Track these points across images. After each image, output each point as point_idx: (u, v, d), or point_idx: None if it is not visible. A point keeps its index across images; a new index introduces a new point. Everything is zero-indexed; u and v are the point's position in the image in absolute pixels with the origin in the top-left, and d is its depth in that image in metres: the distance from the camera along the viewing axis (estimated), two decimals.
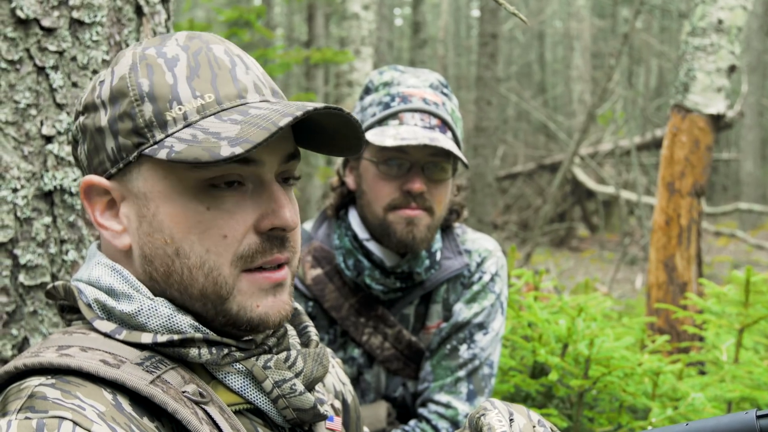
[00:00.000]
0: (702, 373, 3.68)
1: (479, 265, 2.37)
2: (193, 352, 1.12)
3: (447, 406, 2.24)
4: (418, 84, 2.24)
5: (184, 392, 1.08)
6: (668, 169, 4.92)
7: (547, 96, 24.59)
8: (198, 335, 1.12)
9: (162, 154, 1.08)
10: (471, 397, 2.26)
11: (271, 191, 1.15)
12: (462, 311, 2.31)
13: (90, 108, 1.17)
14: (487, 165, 12.09)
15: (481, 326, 2.31)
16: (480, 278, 2.35)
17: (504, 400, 2.68)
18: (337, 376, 1.53)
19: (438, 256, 2.31)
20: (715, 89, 4.81)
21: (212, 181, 1.11)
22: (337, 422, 1.34)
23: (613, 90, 14.28)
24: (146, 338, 1.11)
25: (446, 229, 2.40)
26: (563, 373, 2.62)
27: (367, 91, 2.29)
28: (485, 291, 2.34)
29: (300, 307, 1.39)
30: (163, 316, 1.12)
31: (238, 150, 1.04)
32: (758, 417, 1.13)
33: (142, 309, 1.12)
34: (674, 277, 4.82)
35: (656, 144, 14.45)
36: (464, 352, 2.28)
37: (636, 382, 2.72)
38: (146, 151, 1.11)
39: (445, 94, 2.27)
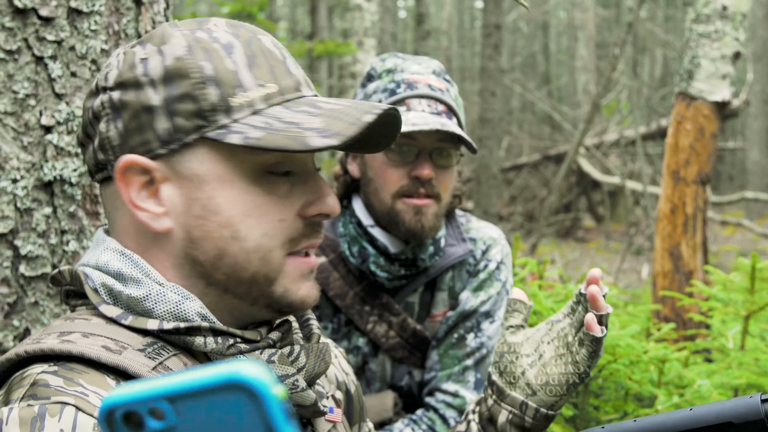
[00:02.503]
0: (708, 360, 3.67)
1: (484, 253, 2.37)
2: (199, 340, 1.11)
3: (455, 395, 2.24)
4: (422, 70, 2.24)
5: None
6: (673, 157, 4.91)
7: (551, 87, 24.55)
8: (204, 324, 1.11)
9: (234, 139, 1.08)
10: (478, 385, 2.26)
11: (316, 179, 1.19)
12: (469, 300, 2.30)
13: (129, 84, 1.13)
14: (492, 156, 12.07)
15: (488, 315, 2.31)
16: (486, 266, 2.35)
17: None
18: (339, 366, 1.52)
19: (442, 243, 2.31)
20: (720, 76, 4.78)
21: (271, 168, 1.13)
22: (337, 413, 1.34)
23: (618, 80, 14.25)
24: (152, 324, 1.10)
25: (449, 216, 2.39)
26: None
27: (370, 78, 2.29)
28: (491, 279, 2.34)
29: None
30: (171, 302, 1.12)
31: (334, 141, 1.07)
32: (763, 401, 1.12)
33: (150, 294, 1.11)
34: (680, 266, 4.81)
35: (661, 133, 14.41)
36: (471, 340, 2.28)
37: (642, 370, 2.71)
38: (210, 134, 1.10)
39: (447, 81, 2.28)
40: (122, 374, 1.05)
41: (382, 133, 1.23)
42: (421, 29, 14.09)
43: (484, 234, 2.40)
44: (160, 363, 1.07)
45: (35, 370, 1.03)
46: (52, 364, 1.04)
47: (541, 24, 25.45)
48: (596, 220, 17.90)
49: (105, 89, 1.15)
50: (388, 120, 1.19)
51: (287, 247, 1.16)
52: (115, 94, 1.14)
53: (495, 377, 1.45)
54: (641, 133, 14.15)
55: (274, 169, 1.14)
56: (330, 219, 1.23)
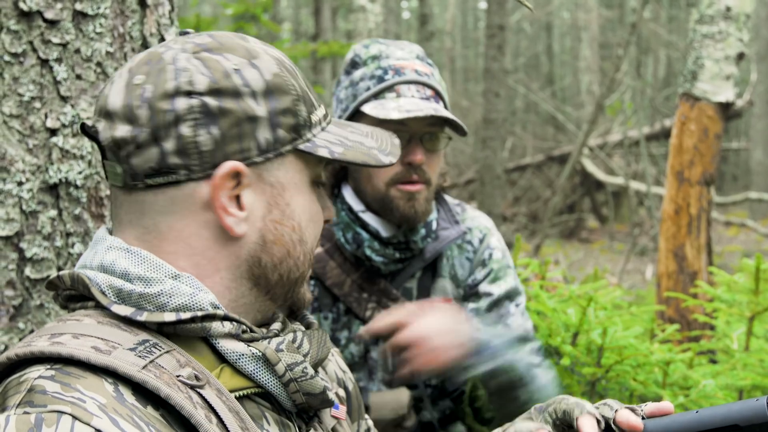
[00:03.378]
0: (713, 361, 3.66)
1: (482, 241, 2.42)
2: (216, 324, 1.14)
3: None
4: (406, 56, 2.28)
5: (178, 376, 1.07)
6: (677, 157, 4.90)
7: (555, 87, 24.53)
8: (219, 312, 1.14)
9: (324, 152, 1.21)
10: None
11: (322, 190, 1.31)
12: (492, 290, 2.37)
13: (228, 93, 1.14)
14: (496, 157, 12.06)
15: (511, 299, 2.38)
16: (491, 255, 2.40)
17: None
18: (337, 364, 1.54)
19: (434, 226, 2.34)
20: (724, 77, 4.78)
21: (317, 178, 1.27)
22: (342, 410, 1.35)
23: (622, 80, 14.24)
24: (170, 317, 1.11)
25: (439, 199, 2.42)
26: (575, 361, 2.62)
27: (355, 65, 2.31)
28: (503, 269, 2.40)
29: None
30: (184, 295, 1.12)
31: (394, 159, 1.29)
32: None
33: (163, 290, 1.12)
34: (684, 267, 4.81)
35: (665, 134, 14.39)
36: (510, 320, 2.35)
37: (646, 371, 2.71)
38: (301, 146, 1.20)
39: (430, 64, 2.32)
40: (121, 377, 1.05)
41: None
42: (424, 30, 14.09)
43: (479, 223, 2.45)
44: (151, 361, 1.06)
45: (32, 375, 1.02)
46: (49, 367, 1.03)
47: (545, 25, 25.43)
48: (600, 221, 17.89)
49: (191, 93, 1.13)
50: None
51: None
52: (210, 100, 1.13)
53: None
54: (645, 133, 14.13)
55: (318, 180, 1.27)
56: (328, 224, 1.35)
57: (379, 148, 1.28)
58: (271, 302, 1.25)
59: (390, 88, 2.22)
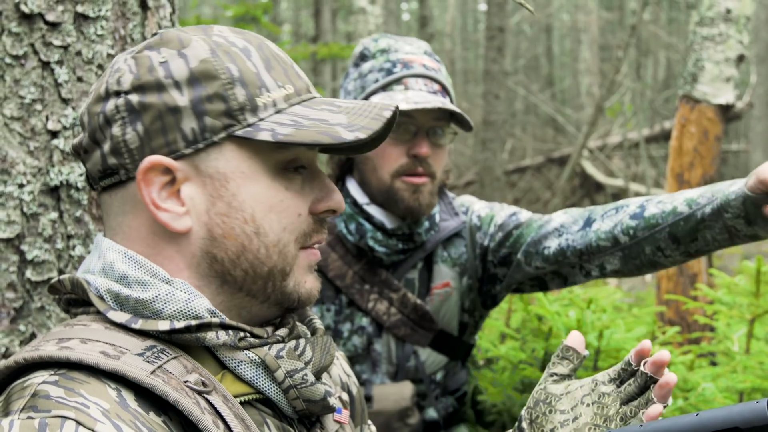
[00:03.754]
0: (713, 363, 3.66)
1: (466, 213, 2.47)
2: (211, 335, 1.12)
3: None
4: (415, 50, 2.31)
5: (186, 382, 1.07)
6: (677, 159, 4.90)
7: (555, 89, 24.53)
8: (215, 320, 1.13)
9: (264, 136, 1.12)
10: None
11: (322, 176, 1.24)
12: (495, 224, 2.39)
13: (150, 87, 1.14)
14: (496, 159, 12.06)
15: (510, 214, 2.40)
16: (479, 216, 2.44)
17: (515, 391, 2.67)
18: (341, 368, 1.53)
19: (437, 218, 2.37)
20: (724, 79, 4.78)
21: (287, 164, 1.18)
22: (345, 415, 1.34)
23: (621, 82, 14.24)
24: (164, 325, 1.10)
25: (440, 192, 2.47)
26: None
27: (364, 57, 2.34)
28: (491, 214, 2.43)
29: None
30: (180, 301, 1.12)
31: (361, 135, 1.13)
32: None
33: (159, 295, 1.12)
34: (684, 268, 4.81)
35: (665, 136, 14.40)
36: (524, 216, 2.37)
37: None
38: (238, 132, 1.14)
39: (438, 60, 2.36)
40: (123, 380, 1.05)
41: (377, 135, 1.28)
42: (424, 32, 14.09)
43: (462, 200, 2.51)
44: (159, 367, 1.07)
45: (36, 380, 1.02)
46: (53, 372, 1.03)
47: (545, 27, 25.44)
48: None
49: (118, 93, 1.15)
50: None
51: (300, 242, 1.21)
52: (133, 97, 1.14)
53: (524, 424, 1.31)
54: (645, 135, 14.14)
55: (291, 165, 1.18)
56: (336, 215, 1.27)
57: (347, 124, 1.15)
58: (253, 300, 1.20)
59: (398, 81, 2.25)
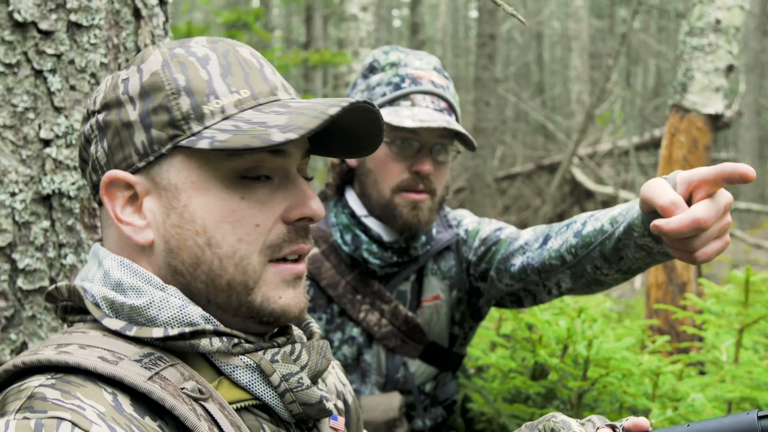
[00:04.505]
0: (702, 373, 3.67)
1: (458, 226, 2.47)
2: (205, 341, 1.13)
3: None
4: (424, 66, 2.30)
5: (182, 389, 1.08)
6: (667, 168, 4.92)
7: (545, 96, 24.59)
8: (209, 326, 1.13)
9: (203, 144, 1.11)
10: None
11: (298, 183, 1.20)
12: (477, 245, 2.38)
13: (112, 105, 1.17)
14: (486, 166, 12.08)
15: (499, 228, 2.38)
16: (467, 230, 2.45)
17: (504, 401, 2.68)
18: (337, 377, 1.54)
19: (434, 232, 2.38)
20: (713, 89, 4.81)
21: (245, 172, 1.15)
22: (340, 422, 1.34)
23: (612, 90, 14.29)
24: (157, 332, 1.11)
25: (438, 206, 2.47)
26: (563, 374, 2.62)
27: (373, 69, 2.33)
28: (477, 226, 2.44)
29: None
30: (174, 308, 1.13)
31: (292, 135, 1.08)
32: (759, 417, 1.13)
33: (153, 301, 1.13)
34: (673, 277, 4.82)
35: (655, 144, 14.44)
36: (507, 232, 2.35)
37: (636, 382, 2.71)
38: (183, 142, 1.13)
39: (447, 77, 2.36)
40: (119, 385, 1.05)
41: (362, 134, 1.26)
42: (415, 39, 14.11)
43: (456, 214, 2.52)
44: (157, 373, 1.07)
45: (33, 383, 1.03)
46: (50, 376, 1.04)
47: (535, 34, 25.50)
48: None
49: (93, 113, 1.20)
50: (372, 119, 1.21)
51: (267, 254, 1.18)
52: (101, 116, 1.18)
53: None
54: (634, 143, 14.18)
55: (249, 173, 1.15)
56: (314, 223, 1.23)
57: (284, 125, 1.11)
58: (225, 312, 1.19)
59: (405, 97, 2.25)
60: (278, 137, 1.08)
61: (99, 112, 1.19)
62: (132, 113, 1.15)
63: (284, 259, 1.20)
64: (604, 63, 14.84)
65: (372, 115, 1.20)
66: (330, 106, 1.12)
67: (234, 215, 1.15)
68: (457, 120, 2.30)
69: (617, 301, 8.61)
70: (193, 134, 1.13)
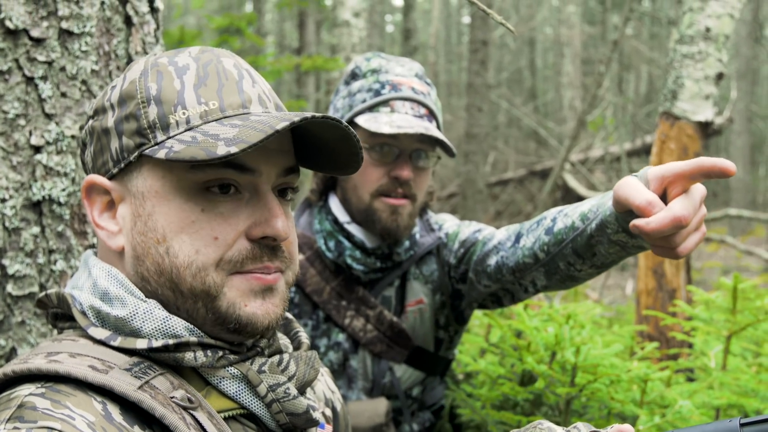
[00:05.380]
0: (691, 379, 3.69)
1: (440, 229, 2.47)
2: (189, 355, 1.13)
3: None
4: (405, 73, 2.31)
5: (172, 398, 1.08)
6: None
7: (537, 102, 24.62)
8: (193, 339, 1.14)
9: (161, 154, 1.11)
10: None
11: (266, 201, 1.18)
12: (457, 247, 2.38)
13: (100, 111, 1.20)
14: (478, 171, 12.10)
15: (479, 230, 2.37)
16: (446, 232, 2.45)
17: (493, 408, 2.69)
18: (326, 384, 1.54)
19: (417, 237, 2.38)
20: (704, 96, 4.83)
21: (207, 183, 1.15)
22: (328, 430, 1.35)
23: (603, 96, 14.32)
24: (141, 344, 1.12)
25: (421, 211, 2.47)
26: (551, 381, 2.63)
27: (354, 76, 2.34)
28: (456, 228, 2.44)
29: (290, 315, 1.41)
30: (158, 319, 1.13)
31: (234, 149, 1.08)
32: (742, 425, 1.14)
33: (137, 312, 1.13)
34: (663, 284, 4.84)
35: (646, 150, 14.48)
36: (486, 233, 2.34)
37: (624, 389, 2.72)
38: (146, 151, 1.14)
39: (428, 84, 2.36)
40: (109, 394, 1.06)
41: (342, 150, 1.25)
42: (408, 44, 14.13)
43: (438, 218, 2.51)
44: (146, 382, 1.08)
45: (23, 392, 1.03)
46: (39, 385, 1.04)
47: (528, 40, 25.54)
48: None
49: (88, 118, 1.23)
50: (343, 134, 1.20)
51: (227, 268, 1.16)
52: (91, 122, 1.21)
53: None
54: (626, 149, 14.22)
55: (212, 185, 1.15)
56: (277, 243, 1.20)
57: (232, 139, 1.10)
58: (195, 321, 1.18)
59: (385, 103, 2.25)
60: (222, 150, 1.08)
61: (92, 117, 1.22)
62: (110, 120, 1.18)
63: (247, 271, 1.19)
64: (596, 69, 14.89)
65: (341, 131, 1.20)
66: (281, 120, 1.11)
67: (192, 226, 1.15)
68: (438, 126, 2.31)
69: (608, 307, 8.63)
70: (157, 143, 1.14)
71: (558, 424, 2.66)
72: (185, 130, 1.14)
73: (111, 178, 1.18)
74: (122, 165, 1.16)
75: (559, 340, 2.63)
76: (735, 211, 14.57)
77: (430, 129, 2.20)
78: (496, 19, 1.83)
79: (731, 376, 2.90)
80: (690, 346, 4.23)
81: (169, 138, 1.14)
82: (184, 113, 1.14)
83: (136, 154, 1.15)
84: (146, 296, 1.18)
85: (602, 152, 15.16)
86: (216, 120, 1.15)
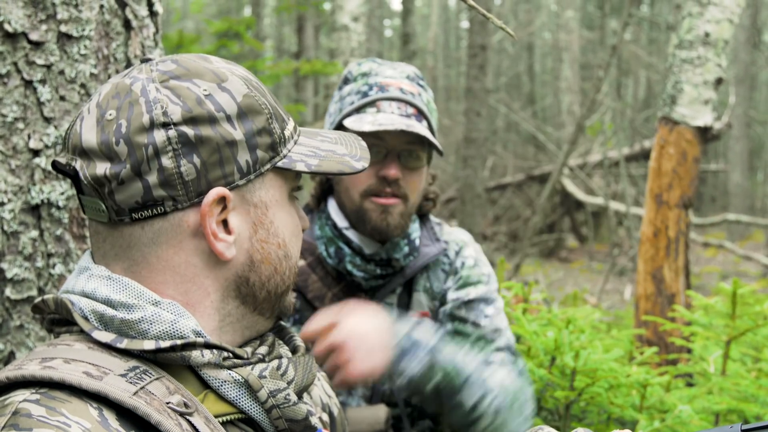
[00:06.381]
0: (690, 385, 3.68)
1: (458, 253, 2.43)
2: (196, 353, 1.13)
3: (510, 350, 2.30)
4: (396, 75, 2.30)
5: (168, 403, 1.08)
6: (656, 181, 4.94)
7: (536, 107, 24.66)
8: (199, 340, 1.13)
9: (301, 167, 1.21)
10: (516, 359, 2.30)
11: (295, 202, 1.31)
12: (459, 295, 2.36)
13: (203, 120, 1.14)
14: (477, 176, 12.11)
15: (486, 300, 2.36)
16: (464, 263, 2.41)
17: None
18: (323, 389, 1.54)
19: (417, 242, 2.35)
20: (702, 102, 4.83)
21: (295, 191, 1.28)
22: None
23: (602, 101, 14.34)
24: (149, 345, 1.11)
25: (423, 217, 2.45)
26: (551, 385, 2.63)
27: (346, 81, 2.35)
28: (475, 274, 2.40)
29: (283, 323, 1.41)
30: (166, 322, 1.13)
31: (366, 164, 1.28)
32: (743, 431, 1.13)
33: (144, 316, 1.13)
34: (662, 289, 4.84)
35: (645, 155, 14.50)
36: (486, 322, 2.33)
37: (624, 394, 2.72)
38: (280, 163, 1.21)
39: (421, 86, 2.33)
40: (105, 400, 1.05)
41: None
42: (407, 49, 14.14)
43: (456, 237, 2.46)
44: (142, 388, 1.07)
45: (17, 398, 1.03)
46: (34, 391, 1.04)
47: (526, 45, 25.59)
48: (579, 241, 17.96)
49: (167, 124, 1.13)
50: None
51: None
52: (187, 129, 1.13)
53: None
54: (625, 154, 14.23)
55: (295, 191, 1.28)
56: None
57: (350, 155, 1.28)
58: (260, 316, 1.26)
59: (372, 104, 2.25)
60: (358, 165, 1.26)
61: (178, 124, 1.13)
62: (235, 132, 1.16)
63: None
64: (594, 74, 14.91)
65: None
66: (356, 139, 1.35)
67: (297, 229, 1.28)
68: (429, 126, 2.29)
69: (607, 312, 8.64)
70: (284, 156, 1.22)
71: (558, 428, 2.65)
72: (294, 144, 1.24)
73: (232, 189, 1.18)
74: (252, 177, 1.19)
75: (559, 344, 2.62)
76: (733, 216, 14.59)
77: (413, 126, 2.17)
78: (497, 24, 1.83)
79: (731, 381, 2.90)
80: (689, 351, 4.23)
81: (289, 152, 1.23)
82: (288, 128, 1.24)
83: (268, 166, 1.20)
84: (230, 299, 1.22)
85: (601, 157, 15.17)
86: (300, 135, 1.28)
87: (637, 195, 15.34)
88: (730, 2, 4.82)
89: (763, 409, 2.77)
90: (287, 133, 1.23)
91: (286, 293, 1.28)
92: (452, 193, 16.59)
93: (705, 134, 4.90)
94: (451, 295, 2.36)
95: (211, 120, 1.15)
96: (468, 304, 2.35)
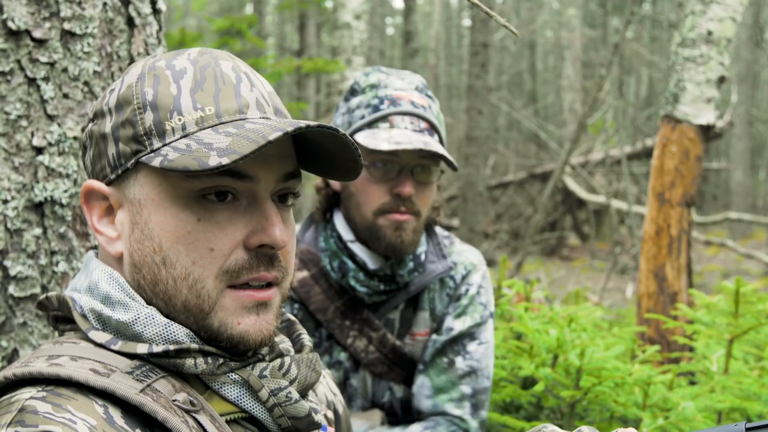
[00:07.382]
0: (692, 383, 3.68)
1: (464, 277, 2.39)
2: (189, 362, 1.12)
3: (461, 419, 2.27)
4: (405, 87, 2.26)
5: (174, 401, 1.08)
6: (658, 179, 4.94)
7: (538, 105, 24.64)
8: (194, 345, 1.12)
9: (156, 162, 1.09)
10: (474, 411, 2.29)
11: (264, 208, 1.15)
12: (454, 326, 2.32)
13: (98, 115, 1.18)
14: (478, 174, 12.11)
15: (473, 336, 2.33)
16: (467, 291, 2.38)
17: (495, 411, 2.68)
18: (328, 387, 1.53)
19: (422, 258, 2.33)
20: (705, 100, 4.83)
21: (204, 192, 1.12)
22: None
23: (604, 99, 14.33)
24: (142, 348, 1.11)
25: (429, 231, 2.41)
26: (554, 383, 2.63)
27: (353, 92, 2.31)
28: (473, 304, 2.36)
29: (293, 317, 1.40)
30: (159, 325, 1.12)
31: (225, 160, 1.05)
32: (748, 429, 1.13)
33: (138, 317, 1.12)
34: (664, 287, 4.84)
35: (647, 153, 14.49)
36: (461, 363, 2.30)
37: (626, 392, 2.72)
38: (143, 158, 1.12)
39: (429, 97, 2.31)
40: (110, 398, 1.05)
41: (342, 156, 1.22)
42: (408, 47, 14.14)
43: (465, 259, 2.42)
44: (148, 385, 1.07)
45: (24, 395, 1.03)
46: (40, 389, 1.04)
47: (528, 43, 25.58)
48: (581, 239, 17.95)
49: (88, 121, 1.22)
50: (341, 142, 1.17)
51: (224, 279, 1.14)
52: (90, 125, 1.20)
53: None
54: (627, 152, 14.23)
55: (208, 193, 1.12)
56: (275, 252, 1.16)
57: (225, 149, 1.07)
58: (193, 333, 1.15)
59: (384, 118, 2.21)
60: (213, 161, 1.06)
61: (91, 120, 1.20)
62: (107, 125, 1.16)
63: (248, 285, 1.16)
64: (596, 72, 14.90)
65: (338, 139, 1.16)
66: (275, 130, 1.08)
67: (188, 237, 1.12)
68: (440, 139, 2.26)
69: (609, 310, 8.63)
70: (153, 150, 1.12)
71: (561, 427, 2.65)
72: (181, 137, 1.11)
73: (109, 183, 1.17)
74: (119, 171, 1.15)
75: (561, 342, 2.62)
76: (735, 214, 14.58)
77: (430, 143, 2.15)
78: (499, 21, 1.83)
79: (733, 379, 2.89)
80: (691, 349, 4.22)
81: (165, 145, 1.11)
82: (180, 119, 1.12)
83: (132, 161, 1.13)
84: (151, 304, 1.16)
85: (603, 155, 15.17)
86: (211, 126, 1.12)
87: (639, 193, 15.34)
88: (732, 0, 4.81)
89: (766, 407, 2.77)
90: (171, 125, 1.12)
91: (195, 313, 1.13)
92: (454, 192, 16.58)
93: (707, 132, 4.90)
94: (447, 323, 2.35)
95: (101, 114, 1.18)
96: (454, 340, 2.34)
